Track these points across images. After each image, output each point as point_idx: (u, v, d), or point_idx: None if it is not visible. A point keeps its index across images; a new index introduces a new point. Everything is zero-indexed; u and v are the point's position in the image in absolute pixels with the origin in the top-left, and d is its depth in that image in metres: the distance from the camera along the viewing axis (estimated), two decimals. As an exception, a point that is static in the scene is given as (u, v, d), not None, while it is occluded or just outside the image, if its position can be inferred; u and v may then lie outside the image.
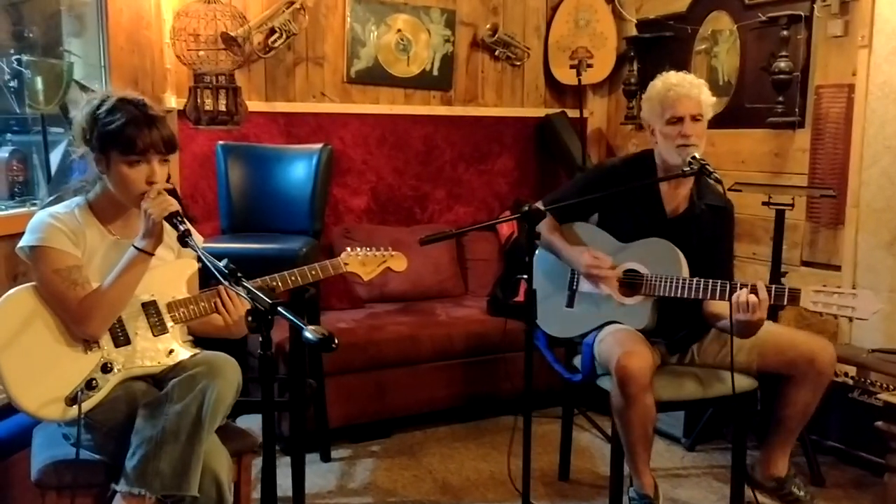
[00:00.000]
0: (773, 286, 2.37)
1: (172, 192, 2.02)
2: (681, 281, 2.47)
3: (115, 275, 1.95)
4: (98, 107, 1.99)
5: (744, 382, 2.55)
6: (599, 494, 2.90)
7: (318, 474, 3.05)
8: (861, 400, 3.02)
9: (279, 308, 1.54)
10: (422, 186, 4.25)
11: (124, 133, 1.94)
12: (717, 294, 2.40)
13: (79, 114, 2.04)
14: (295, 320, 1.51)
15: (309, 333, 1.47)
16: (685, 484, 3.03)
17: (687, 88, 2.54)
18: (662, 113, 2.55)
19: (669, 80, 2.58)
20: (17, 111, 2.90)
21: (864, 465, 3.06)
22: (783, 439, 2.59)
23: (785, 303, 2.35)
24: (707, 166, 2.44)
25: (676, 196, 2.65)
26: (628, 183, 2.63)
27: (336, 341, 1.46)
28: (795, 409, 2.52)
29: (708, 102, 2.57)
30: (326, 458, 3.18)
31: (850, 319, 2.30)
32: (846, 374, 3.11)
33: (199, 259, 1.82)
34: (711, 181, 2.49)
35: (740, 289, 2.34)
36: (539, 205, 2.58)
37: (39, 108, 2.95)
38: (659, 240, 2.57)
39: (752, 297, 2.30)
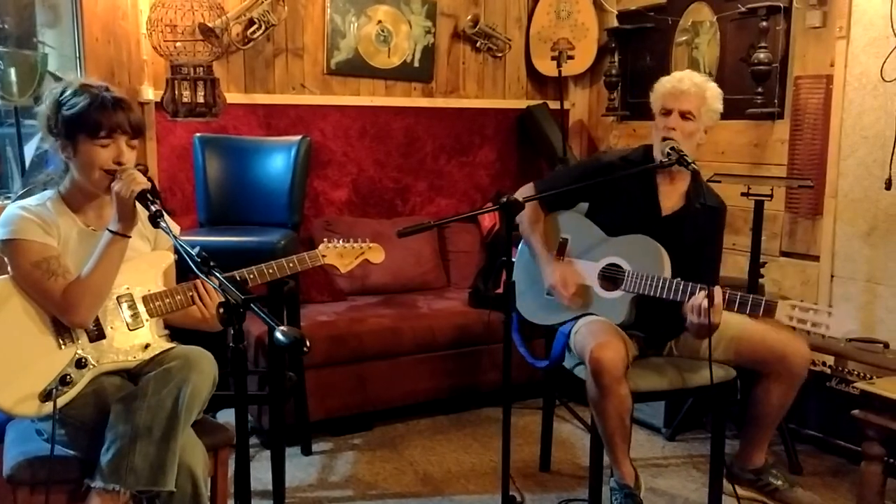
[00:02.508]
0: (751, 296, 2.34)
1: (143, 174, 1.99)
2: (661, 281, 2.45)
3: (94, 261, 1.93)
4: (61, 94, 1.97)
5: (721, 373, 2.56)
6: (580, 485, 2.91)
7: (299, 468, 3.04)
8: (839, 389, 3.04)
9: (252, 304, 1.51)
10: (403, 178, 4.24)
11: (90, 114, 1.92)
12: (688, 295, 2.39)
13: (43, 105, 2.01)
14: (267, 319, 1.48)
15: (280, 335, 1.43)
16: (665, 473, 3.04)
17: (686, 85, 2.54)
18: (660, 104, 2.58)
19: (675, 75, 2.60)
20: (-10, 103, 2.88)
21: (842, 454, 3.09)
22: (759, 434, 2.61)
23: (760, 314, 2.32)
24: (685, 157, 2.42)
25: (674, 193, 2.63)
26: (624, 178, 2.61)
27: (308, 345, 1.42)
28: (770, 406, 2.53)
29: (710, 108, 2.56)
30: (307, 451, 3.17)
31: (823, 337, 2.31)
32: (824, 364, 3.13)
33: (175, 249, 1.80)
34: (689, 170, 2.48)
35: (699, 292, 2.34)
36: (521, 194, 2.58)
37: (13, 99, 2.93)
38: (644, 237, 2.56)
39: (705, 303, 2.29)
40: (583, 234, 2.67)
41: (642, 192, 2.62)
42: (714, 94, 2.57)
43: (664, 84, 2.59)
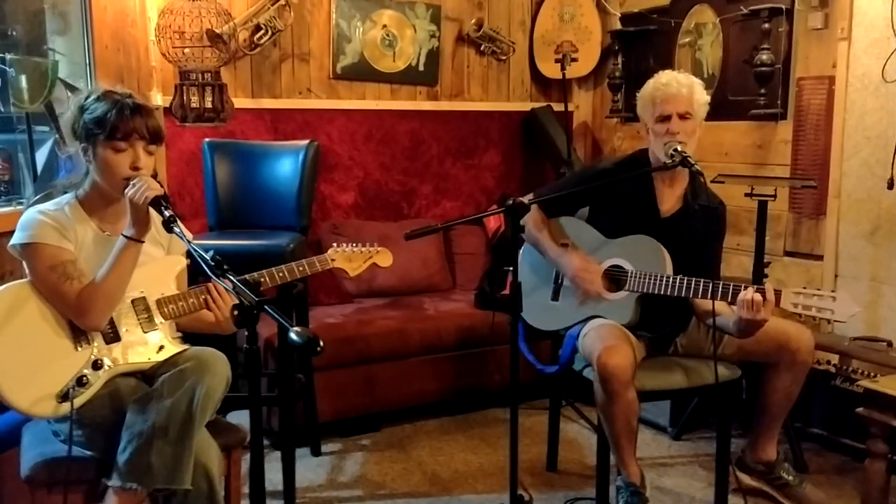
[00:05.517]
0: (755, 287, 2.39)
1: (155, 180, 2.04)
2: (665, 279, 2.48)
3: (108, 266, 1.97)
4: (85, 99, 2.04)
5: (727, 372, 2.59)
6: (587, 484, 2.93)
7: (309, 468, 3.07)
8: (843, 387, 3.06)
9: (266, 306, 1.54)
10: (409, 181, 4.27)
11: (108, 118, 1.97)
12: (703, 293, 2.40)
13: (67, 111, 2.08)
14: (282, 320, 1.51)
15: (294, 335, 1.45)
16: (671, 472, 3.07)
17: (676, 87, 2.56)
18: (653, 111, 2.58)
19: (660, 80, 2.61)
20: (2, 110, 2.90)
21: (847, 451, 3.11)
22: (768, 425, 2.63)
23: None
24: (688, 158, 2.45)
25: (671, 195, 2.66)
26: (623, 183, 2.63)
27: (321, 344, 1.45)
28: (777, 395, 2.57)
29: (700, 101, 2.58)
30: (317, 452, 3.20)
31: (829, 321, 2.32)
32: (829, 363, 3.16)
33: (188, 252, 1.83)
34: (700, 178, 2.50)
35: (744, 289, 2.34)
36: (527, 198, 2.61)
37: (24, 106, 2.95)
38: (644, 237, 2.59)
39: (758, 296, 2.30)
40: (584, 238, 2.70)
41: (640, 196, 2.65)
42: (699, 87, 2.60)
43: (652, 93, 2.59)
